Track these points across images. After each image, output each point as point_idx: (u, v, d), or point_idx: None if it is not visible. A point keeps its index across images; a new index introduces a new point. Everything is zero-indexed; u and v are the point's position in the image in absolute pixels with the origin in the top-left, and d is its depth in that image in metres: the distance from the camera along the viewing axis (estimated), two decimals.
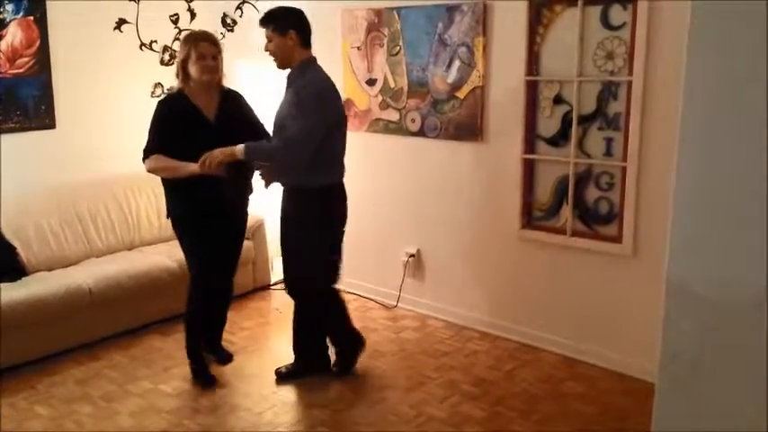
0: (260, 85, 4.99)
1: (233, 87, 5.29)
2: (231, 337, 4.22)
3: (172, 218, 3.61)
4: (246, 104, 3.71)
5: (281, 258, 3.65)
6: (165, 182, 3.55)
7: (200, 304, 3.66)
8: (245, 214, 3.79)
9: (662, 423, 1.84)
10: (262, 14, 3.41)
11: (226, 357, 3.91)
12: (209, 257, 3.58)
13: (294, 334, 3.71)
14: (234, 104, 3.61)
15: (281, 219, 3.53)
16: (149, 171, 3.50)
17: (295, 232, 3.47)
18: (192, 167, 3.30)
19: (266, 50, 3.41)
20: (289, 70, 3.44)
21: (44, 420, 3.32)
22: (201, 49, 3.39)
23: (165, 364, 3.89)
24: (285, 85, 3.45)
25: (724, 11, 1.63)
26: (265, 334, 4.34)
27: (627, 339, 3.66)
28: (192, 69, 3.40)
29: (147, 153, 3.46)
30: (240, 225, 3.76)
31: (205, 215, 3.50)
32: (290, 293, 3.65)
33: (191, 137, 3.39)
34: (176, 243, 4.77)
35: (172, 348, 4.08)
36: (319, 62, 4.94)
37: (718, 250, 1.70)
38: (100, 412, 3.39)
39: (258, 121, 3.70)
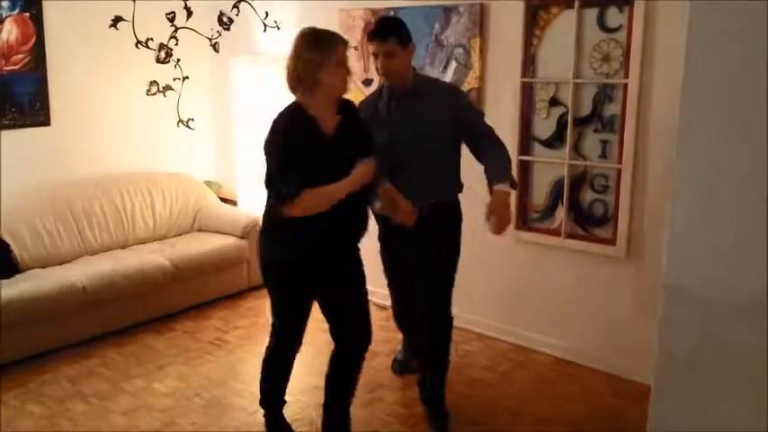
0: (257, 84, 4.99)
1: (229, 87, 5.29)
2: (225, 336, 4.22)
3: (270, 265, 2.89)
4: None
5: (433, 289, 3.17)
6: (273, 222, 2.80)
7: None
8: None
9: (658, 423, 1.85)
10: (377, 27, 2.98)
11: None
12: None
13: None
14: (354, 117, 2.88)
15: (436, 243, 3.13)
16: (305, 213, 2.67)
17: (456, 251, 3.23)
18: (348, 186, 2.71)
19: (385, 69, 2.94)
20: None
21: (36, 418, 3.30)
22: (342, 54, 2.70)
23: (158, 362, 3.88)
24: (409, 97, 3.01)
25: (723, 11, 1.64)
26: (260, 333, 4.33)
27: (620, 341, 3.67)
28: (329, 78, 2.67)
29: (291, 194, 2.65)
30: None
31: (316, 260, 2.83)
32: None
33: (309, 157, 2.69)
34: (169, 242, 4.84)
35: (165, 347, 4.07)
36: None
37: (716, 251, 1.71)
38: (93, 411, 3.38)
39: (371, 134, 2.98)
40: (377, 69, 3.00)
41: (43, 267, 4.25)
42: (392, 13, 4.34)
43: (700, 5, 1.68)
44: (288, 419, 3.28)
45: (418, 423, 3.26)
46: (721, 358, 1.72)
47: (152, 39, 5.01)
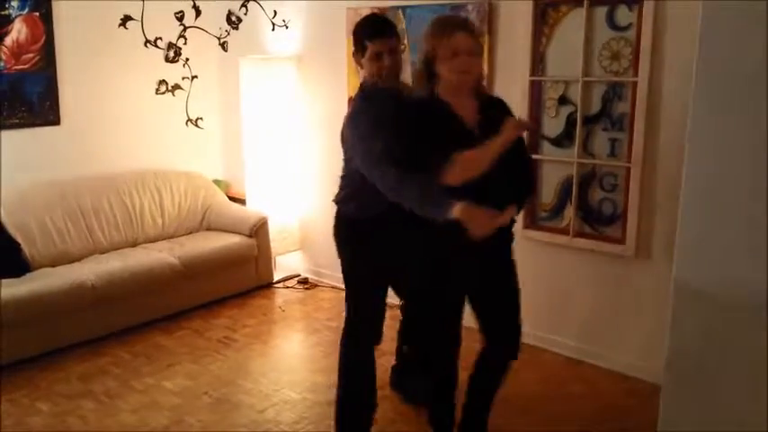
0: (266, 83, 5.00)
1: (238, 86, 5.28)
2: (234, 335, 4.23)
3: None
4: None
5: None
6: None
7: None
8: None
9: (668, 420, 1.84)
10: (379, 25, 2.79)
11: None
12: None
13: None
14: (500, 114, 2.64)
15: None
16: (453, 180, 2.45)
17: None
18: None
19: (391, 67, 2.75)
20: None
21: (45, 416, 3.32)
22: (459, 43, 2.46)
23: (168, 360, 3.89)
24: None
25: (735, 11, 1.63)
26: (268, 331, 4.34)
27: (629, 340, 3.66)
28: (443, 68, 2.50)
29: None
30: None
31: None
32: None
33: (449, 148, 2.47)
34: (178, 240, 4.86)
35: (175, 345, 4.08)
36: (325, 61, 4.96)
37: (726, 251, 1.70)
38: (102, 408, 3.39)
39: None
40: (378, 70, 2.75)
41: (53, 266, 4.26)
42: (400, 12, 4.34)
43: (712, 5, 1.67)
44: (293, 418, 3.29)
45: (424, 423, 3.26)
46: (729, 356, 1.71)
47: (161, 38, 5.02)
